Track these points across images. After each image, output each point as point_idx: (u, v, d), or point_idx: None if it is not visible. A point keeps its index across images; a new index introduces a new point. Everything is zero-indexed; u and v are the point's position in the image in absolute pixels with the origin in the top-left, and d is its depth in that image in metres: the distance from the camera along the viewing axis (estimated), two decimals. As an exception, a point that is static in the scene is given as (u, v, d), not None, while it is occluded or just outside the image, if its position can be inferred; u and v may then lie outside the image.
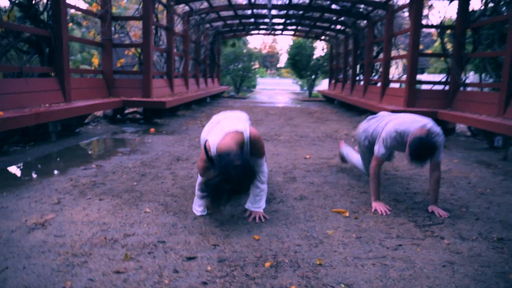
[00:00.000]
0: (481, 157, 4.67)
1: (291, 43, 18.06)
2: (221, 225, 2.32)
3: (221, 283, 1.65)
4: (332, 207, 2.71)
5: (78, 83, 5.98)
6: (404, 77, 7.93)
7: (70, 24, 8.83)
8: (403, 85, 7.29)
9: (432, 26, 6.85)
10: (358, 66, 10.83)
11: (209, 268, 1.79)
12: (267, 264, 1.83)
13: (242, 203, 2.64)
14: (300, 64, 16.98)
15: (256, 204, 2.50)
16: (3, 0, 8.49)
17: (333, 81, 14.58)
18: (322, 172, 3.73)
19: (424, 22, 6.84)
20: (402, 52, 8.55)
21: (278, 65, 47.37)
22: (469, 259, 1.97)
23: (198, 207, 2.51)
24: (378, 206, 2.66)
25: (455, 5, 6.43)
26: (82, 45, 12.53)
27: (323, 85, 20.92)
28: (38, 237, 2.11)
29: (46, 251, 1.95)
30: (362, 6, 9.04)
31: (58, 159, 4.14)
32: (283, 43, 62.03)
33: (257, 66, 29.54)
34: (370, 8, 8.92)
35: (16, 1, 5.04)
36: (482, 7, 6.12)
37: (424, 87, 9.11)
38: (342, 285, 1.68)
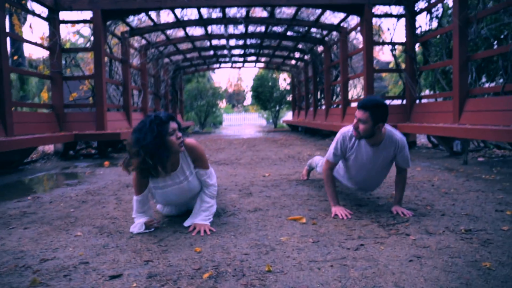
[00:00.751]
0: (443, 164, 4.60)
1: (254, 76, 18.29)
2: (159, 241, 2.00)
3: (145, 301, 1.34)
4: (288, 216, 2.45)
5: (23, 117, 5.58)
6: (363, 96, 8.01)
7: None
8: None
9: (383, 43, 7.01)
10: (319, 92, 10.94)
11: (134, 285, 1.47)
12: (206, 275, 1.54)
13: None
14: (263, 96, 17.08)
15: (201, 217, 2.22)
16: None
17: (296, 110, 14.69)
18: (281, 186, 3.49)
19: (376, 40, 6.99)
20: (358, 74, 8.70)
21: (245, 103, 47.97)
22: (438, 251, 1.75)
23: (135, 225, 2.20)
24: (338, 210, 2.44)
25: (402, 22, 6.63)
26: (40, 87, 12.13)
27: (287, 116, 21.12)
28: None
29: None
30: (317, 30, 9.24)
31: (-10, 194, 3.69)
32: (248, 81, 63.19)
33: (223, 104, 29.72)
34: (325, 32, 9.12)
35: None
36: (427, 23, 6.34)
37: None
38: (293, 290, 1.40)
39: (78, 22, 6.88)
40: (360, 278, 1.50)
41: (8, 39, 5.22)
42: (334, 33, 8.92)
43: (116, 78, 7.89)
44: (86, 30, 16.64)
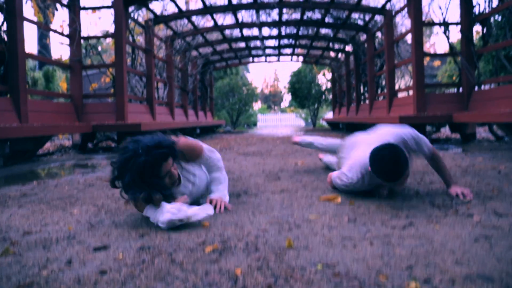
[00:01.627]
0: (509, 154, 4.16)
1: (292, 72, 18.05)
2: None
3: (128, 271, 1.14)
4: (322, 194, 2.19)
5: (39, 106, 5.64)
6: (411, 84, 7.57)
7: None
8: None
9: (434, 24, 6.57)
10: (361, 86, 10.55)
11: (120, 256, 1.28)
12: (208, 249, 1.32)
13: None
14: (300, 92, 16.76)
15: (217, 191, 2.01)
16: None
17: (337, 107, 14.29)
18: (315, 173, 3.22)
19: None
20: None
21: (282, 105, 47.74)
22: (512, 232, 1.44)
23: (161, 212, 1.67)
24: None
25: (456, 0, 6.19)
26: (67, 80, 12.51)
27: (328, 116, 20.68)
28: None
29: None
30: (358, 15, 8.90)
31: (-2, 181, 3.69)
32: (286, 81, 63.02)
33: (257, 106, 29.57)
34: (367, 18, 8.76)
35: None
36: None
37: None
38: (319, 266, 1.16)
39: (98, 8, 6.96)
40: (408, 255, 1.23)
41: (36, 29, 5.30)
42: (378, 18, 8.54)
43: (139, 69, 7.92)
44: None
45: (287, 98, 46.93)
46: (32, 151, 5.11)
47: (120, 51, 6.53)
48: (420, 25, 6.20)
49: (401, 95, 7.79)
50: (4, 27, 4.97)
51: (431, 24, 6.68)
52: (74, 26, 6.48)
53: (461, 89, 6.28)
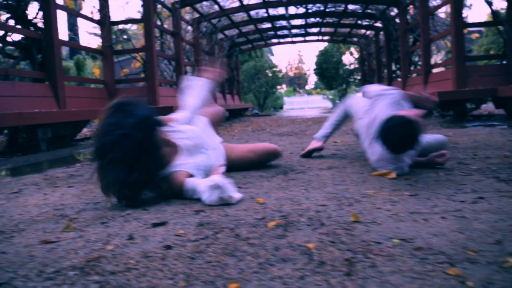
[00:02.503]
0: None
1: (318, 52, 17.68)
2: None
3: (193, 246, 1.10)
4: (372, 171, 2.10)
5: (75, 91, 5.72)
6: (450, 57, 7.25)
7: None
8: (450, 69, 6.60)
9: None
10: (393, 63, 10.20)
11: (180, 232, 1.24)
12: (271, 224, 1.26)
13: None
14: (328, 72, 16.44)
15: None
16: None
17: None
18: (358, 149, 3.12)
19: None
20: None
21: (307, 87, 47.11)
22: None
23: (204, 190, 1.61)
24: None
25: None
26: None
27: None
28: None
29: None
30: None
31: (42, 166, 3.76)
32: (310, 63, 62.09)
33: (283, 88, 29.25)
34: (400, -9, 8.40)
35: (3, 2, 4.90)
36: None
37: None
38: (395, 240, 1.08)
39: (128, -8, 6.94)
40: (492, 230, 1.13)
41: (65, 15, 5.34)
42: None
43: (168, 53, 7.90)
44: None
45: (312, 80, 46.32)
46: (71, 136, 5.19)
47: (149, 35, 6.51)
48: (460, -5, 5.88)
49: (436, 70, 7.48)
50: (40, 16, 5.02)
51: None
52: (104, 12, 6.49)
53: (505, 62, 5.96)
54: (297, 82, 48.47)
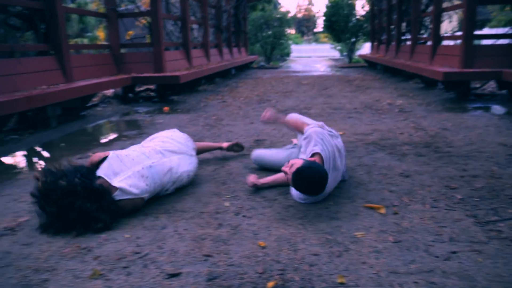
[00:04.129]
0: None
1: (327, 3, 17.15)
2: (219, 227, 2.00)
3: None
4: (364, 198, 2.32)
5: (81, 61, 5.79)
6: (459, 32, 7.17)
7: None
8: (459, 42, 6.56)
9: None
10: (404, 24, 10.01)
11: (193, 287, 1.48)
12: (270, 284, 1.50)
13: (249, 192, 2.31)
14: (337, 25, 16.08)
15: None
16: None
17: (375, 43, 13.73)
18: (356, 152, 3.31)
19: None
20: (456, 3, 7.72)
21: (315, 30, 45.88)
22: (553, 272, 1.54)
23: None
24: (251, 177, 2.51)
25: None
26: (99, 20, 12.49)
27: (364, 49, 19.88)
28: (3, 246, 1.89)
29: (5, 265, 1.72)
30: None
31: (55, 147, 3.97)
32: (320, 4, 59.82)
33: (291, 31, 28.56)
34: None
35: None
36: None
37: (485, 43, 8.25)
38: (370, 316, 1.32)
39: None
40: (453, 305, 1.36)
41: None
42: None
43: (174, 12, 7.80)
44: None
45: (320, 23, 45.00)
46: (80, 108, 5.35)
47: (155, -2, 6.43)
48: (477, -32, 5.71)
49: (446, 42, 7.41)
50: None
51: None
52: (108, -28, 6.36)
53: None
54: (305, 25, 47.16)
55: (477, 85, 6.62)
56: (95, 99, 6.40)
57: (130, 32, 7.01)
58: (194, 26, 9.17)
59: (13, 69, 4.37)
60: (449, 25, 8.62)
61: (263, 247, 1.78)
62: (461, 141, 3.57)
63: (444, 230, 1.90)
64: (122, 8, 7.05)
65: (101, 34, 7.65)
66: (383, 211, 2.12)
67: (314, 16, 47.46)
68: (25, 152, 3.77)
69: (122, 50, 6.76)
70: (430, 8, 7.99)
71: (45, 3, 4.92)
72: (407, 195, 2.35)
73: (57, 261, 1.73)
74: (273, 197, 2.39)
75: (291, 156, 2.67)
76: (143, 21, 7.34)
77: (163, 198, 2.41)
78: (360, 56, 14.83)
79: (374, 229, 1.94)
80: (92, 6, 7.00)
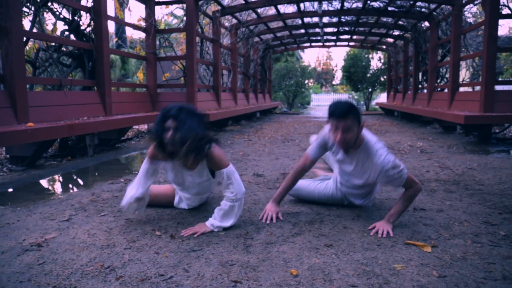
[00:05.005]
0: None
1: (345, 56, 17.32)
2: (247, 253, 1.77)
3: None
4: (398, 230, 2.04)
5: (120, 97, 5.82)
6: (476, 79, 6.94)
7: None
8: (477, 90, 6.33)
9: (512, 17, 5.89)
10: (420, 74, 9.87)
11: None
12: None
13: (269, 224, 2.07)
14: (355, 76, 16.09)
15: (209, 220, 2.10)
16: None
17: (391, 93, 13.59)
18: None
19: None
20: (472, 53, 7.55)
21: (333, 82, 46.33)
22: None
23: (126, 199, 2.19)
24: (269, 209, 2.27)
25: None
26: (138, 67, 12.90)
27: (380, 99, 19.76)
28: (27, 261, 1.71)
29: (26, 280, 1.53)
30: (423, 4, 8.21)
31: (89, 173, 3.87)
32: (338, 59, 60.88)
33: (311, 83, 28.88)
34: (432, 6, 8.06)
35: (61, 16, 5.01)
36: None
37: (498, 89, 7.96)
38: None
39: (171, 3, 6.94)
40: None
41: (113, 23, 5.41)
42: (444, 6, 7.82)
43: (206, 58, 7.91)
44: (179, 10, 17.24)
45: (338, 75, 45.47)
46: (116, 139, 5.30)
47: (191, 43, 6.53)
48: (496, 18, 5.56)
49: (463, 88, 7.18)
50: (90, 27, 5.10)
51: (509, 16, 5.97)
52: (150, 21, 6.54)
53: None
54: (324, 77, 47.74)
55: (497, 130, 6.29)
56: (130, 133, 6.38)
57: (166, 75, 7.09)
58: (224, 71, 9.28)
59: (59, 101, 4.39)
60: (466, 74, 8.42)
61: (296, 275, 1.53)
62: (491, 180, 3.26)
63: (494, 267, 1.61)
64: (162, 52, 7.18)
65: (140, 75, 7.79)
66: (428, 249, 1.82)
67: (332, 69, 48.10)
68: (60, 176, 3.66)
69: (158, 90, 6.80)
70: (448, 58, 7.85)
71: (93, 44, 5.03)
72: (445, 230, 2.07)
73: (78, 279, 1.52)
74: (303, 225, 2.15)
75: (328, 187, 2.50)
76: (179, 65, 7.44)
77: (190, 221, 2.20)
78: (377, 104, 14.66)
79: (414, 262, 1.67)
80: (135, 50, 7.15)
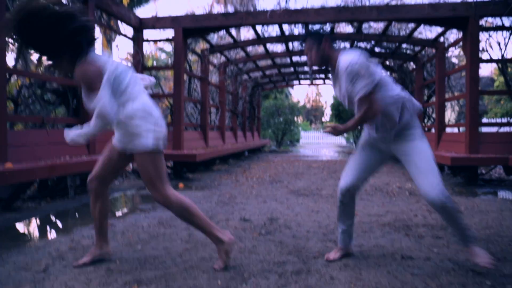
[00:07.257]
0: None
1: (334, 94, 17.77)
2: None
3: None
4: (381, 282, 2.06)
5: (105, 135, 5.83)
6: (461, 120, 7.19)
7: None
8: (462, 130, 6.54)
9: (492, 61, 6.20)
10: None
11: None
12: None
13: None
14: (344, 114, 16.44)
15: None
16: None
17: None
18: (372, 233, 3.07)
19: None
20: (458, 94, 7.86)
21: (323, 119, 47.14)
22: None
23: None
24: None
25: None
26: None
27: (370, 136, 20.06)
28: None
29: None
30: (408, 46, 8.59)
31: (69, 216, 3.82)
32: (327, 95, 62.37)
33: (300, 119, 29.41)
34: (417, 48, 8.44)
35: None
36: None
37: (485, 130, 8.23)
38: None
39: (160, 40, 7.15)
40: None
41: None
42: (428, 48, 8.20)
43: (194, 96, 8.06)
44: (168, 46, 17.63)
45: (327, 112, 46.34)
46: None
47: (178, 82, 6.66)
48: (477, 62, 5.85)
49: (449, 130, 7.41)
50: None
51: (488, 61, 6.30)
52: (137, 58, 6.70)
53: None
54: (313, 114, 48.58)
55: (484, 171, 6.45)
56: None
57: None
58: (212, 109, 9.42)
59: (41, 139, 4.38)
60: (452, 114, 8.72)
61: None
62: (478, 225, 3.32)
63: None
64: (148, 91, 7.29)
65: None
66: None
67: (322, 106, 49.06)
68: (38, 220, 3.61)
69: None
70: (433, 99, 8.13)
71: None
72: (432, 280, 2.09)
73: None
74: (289, 276, 2.15)
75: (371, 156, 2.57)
76: (166, 103, 7.55)
77: (173, 271, 2.18)
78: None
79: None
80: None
